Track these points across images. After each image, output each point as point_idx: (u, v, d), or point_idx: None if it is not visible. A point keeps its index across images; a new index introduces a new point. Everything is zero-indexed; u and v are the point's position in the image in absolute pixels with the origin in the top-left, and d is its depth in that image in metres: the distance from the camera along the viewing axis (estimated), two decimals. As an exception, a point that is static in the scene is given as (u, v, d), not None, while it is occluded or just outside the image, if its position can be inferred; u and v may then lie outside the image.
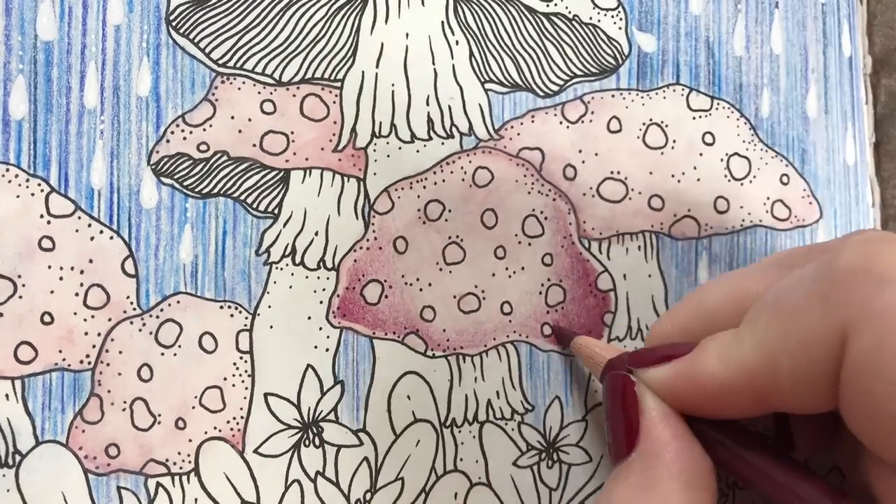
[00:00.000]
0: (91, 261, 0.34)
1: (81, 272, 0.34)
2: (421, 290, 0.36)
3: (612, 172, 0.37)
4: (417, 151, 0.36)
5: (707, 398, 0.29)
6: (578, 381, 0.37)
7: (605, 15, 0.38)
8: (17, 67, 0.34)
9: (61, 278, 0.33)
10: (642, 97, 0.38)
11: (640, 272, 0.37)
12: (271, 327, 0.35)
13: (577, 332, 0.36)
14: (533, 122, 0.37)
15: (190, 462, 0.34)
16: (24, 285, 0.33)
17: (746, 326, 0.28)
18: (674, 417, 0.30)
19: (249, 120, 0.35)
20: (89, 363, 0.33)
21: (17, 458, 0.33)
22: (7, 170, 0.33)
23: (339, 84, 0.36)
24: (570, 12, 0.37)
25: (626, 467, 0.30)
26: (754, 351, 0.28)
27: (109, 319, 0.34)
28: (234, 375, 0.34)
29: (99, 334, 0.34)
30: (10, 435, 0.33)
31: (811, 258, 0.29)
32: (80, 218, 0.34)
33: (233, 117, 0.35)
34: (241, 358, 0.35)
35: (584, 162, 0.37)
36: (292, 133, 0.35)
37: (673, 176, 0.38)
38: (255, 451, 0.34)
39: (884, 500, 0.28)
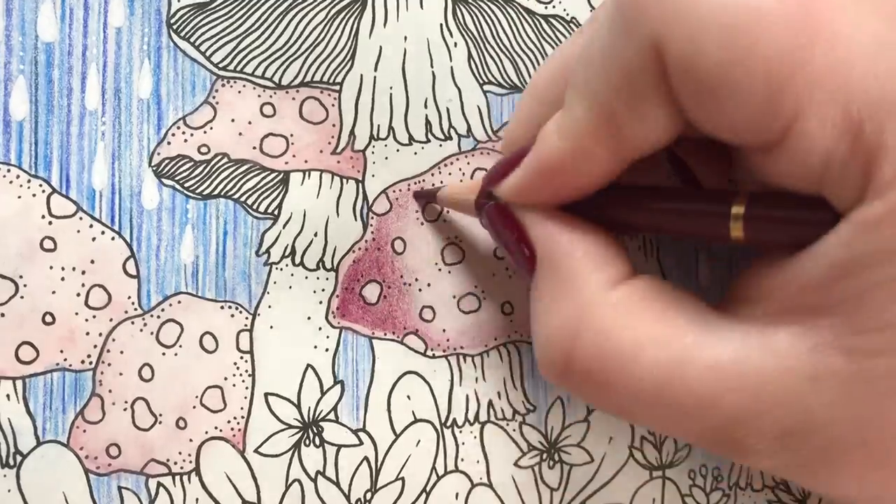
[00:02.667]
0: (92, 261, 0.34)
1: (83, 272, 0.34)
2: (420, 290, 0.36)
3: (609, 174, 0.38)
4: (416, 153, 0.36)
5: (566, 178, 0.28)
6: (577, 380, 0.37)
7: (601, 18, 0.38)
8: (18, 68, 0.34)
9: (63, 279, 0.34)
10: (638, 100, 0.38)
11: (640, 271, 0.38)
12: (271, 327, 0.35)
13: (433, 190, 0.36)
14: (530, 124, 0.37)
15: (191, 462, 0.34)
16: (25, 286, 0.33)
17: (569, 91, 0.27)
18: (549, 216, 0.29)
19: (249, 122, 0.35)
20: (90, 363, 0.34)
21: (18, 458, 0.33)
22: (8, 170, 0.34)
23: (337, 87, 0.36)
24: (568, 14, 0.38)
25: (542, 282, 0.29)
26: (586, 110, 0.26)
27: (111, 319, 0.34)
28: (234, 375, 0.35)
29: (100, 334, 0.34)
30: (11, 435, 0.33)
31: None
32: (81, 219, 0.34)
33: (233, 120, 0.35)
34: (241, 358, 0.35)
35: (581, 164, 0.38)
36: (292, 136, 0.35)
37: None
38: (256, 451, 0.35)
39: (766, 178, 0.26)
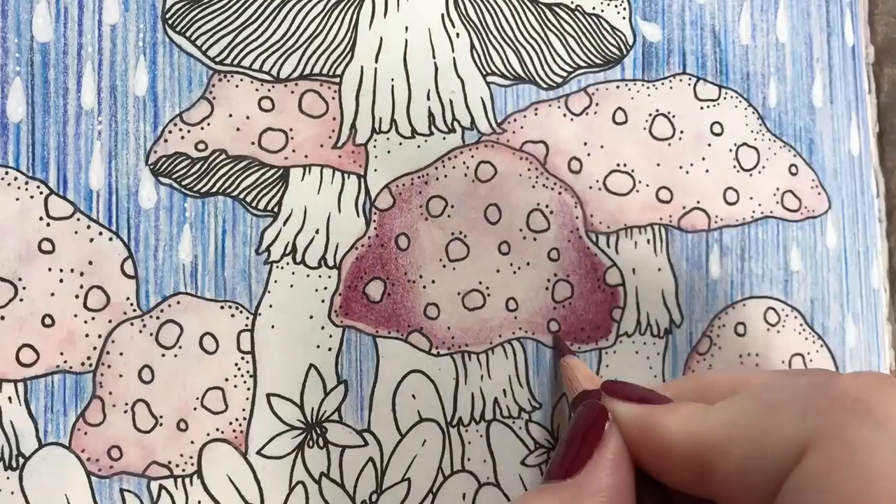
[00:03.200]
0: (91, 262, 0.34)
1: (81, 274, 0.33)
2: (424, 287, 0.35)
3: (618, 165, 0.37)
4: (418, 147, 0.36)
5: (656, 451, 0.28)
6: (586, 377, 0.36)
7: (609, 5, 0.37)
8: (14, 70, 0.33)
9: (61, 280, 0.33)
10: (648, 88, 0.37)
11: (649, 266, 0.37)
12: (273, 327, 0.34)
13: (573, 351, 0.36)
14: (536, 114, 0.37)
15: (192, 464, 0.34)
16: (24, 288, 0.33)
17: (723, 403, 0.28)
18: (626, 469, 0.29)
19: (248, 117, 0.35)
20: (90, 365, 0.33)
21: (21, 460, 0.33)
22: (6, 172, 0.33)
23: (337, 80, 0.35)
24: (572, 2, 0.37)
25: (555, 487, 0.28)
26: (716, 427, 0.27)
27: (110, 321, 0.34)
28: (235, 376, 0.34)
29: (99, 336, 0.33)
30: (13, 437, 0.33)
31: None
32: (79, 220, 0.34)
33: (231, 115, 0.35)
34: (242, 358, 0.34)
35: (589, 154, 0.37)
36: (291, 130, 0.35)
37: (681, 167, 0.37)
38: (258, 453, 0.34)
39: None
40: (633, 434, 0.29)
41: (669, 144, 0.37)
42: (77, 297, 0.33)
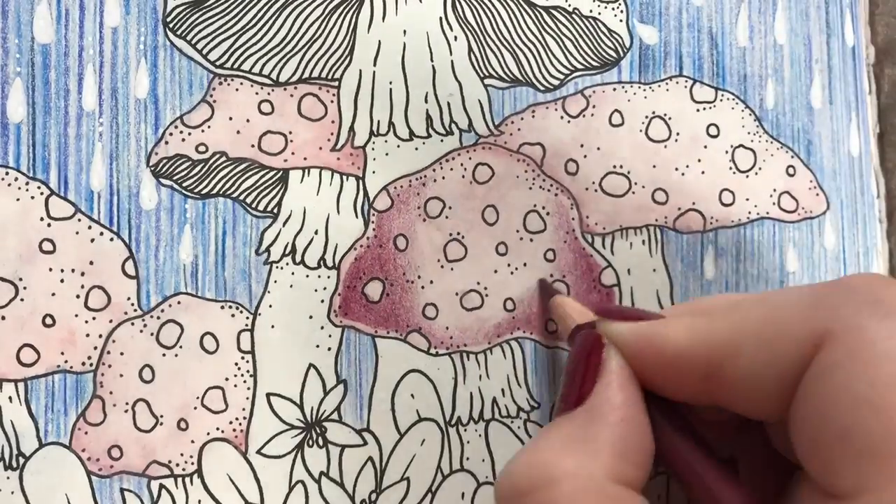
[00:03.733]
0: (91, 262, 0.34)
1: (82, 274, 0.34)
2: (423, 287, 0.35)
3: (614, 166, 0.37)
4: (416, 149, 0.36)
5: (661, 363, 0.28)
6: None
7: (606, 7, 0.37)
8: (15, 70, 0.34)
9: (62, 280, 0.33)
10: (644, 90, 0.38)
11: (644, 267, 0.37)
12: (273, 327, 0.35)
13: (560, 291, 0.36)
14: (533, 117, 0.37)
15: (193, 463, 0.34)
16: (25, 288, 0.33)
17: (725, 310, 0.28)
18: (632, 386, 0.29)
19: (247, 120, 0.35)
20: (91, 365, 0.34)
21: (21, 460, 0.33)
22: (7, 173, 0.34)
23: (336, 83, 0.36)
24: (569, 5, 0.37)
25: (568, 418, 0.28)
26: (723, 329, 0.27)
27: (110, 321, 0.34)
28: (235, 376, 0.34)
29: (100, 336, 0.34)
30: (13, 437, 0.33)
31: None
32: (80, 220, 0.34)
33: (231, 118, 0.35)
34: (242, 358, 0.34)
35: (585, 156, 0.37)
36: (290, 133, 0.35)
37: (677, 169, 0.37)
38: (259, 452, 0.34)
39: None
40: (635, 351, 0.29)
41: (665, 146, 0.37)
42: (78, 296, 0.34)
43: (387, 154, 0.36)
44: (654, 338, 0.28)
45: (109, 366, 0.34)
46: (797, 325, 0.25)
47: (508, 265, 0.36)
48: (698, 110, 0.38)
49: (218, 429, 0.34)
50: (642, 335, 0.29)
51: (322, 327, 0.35)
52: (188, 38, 0.35)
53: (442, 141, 0.36)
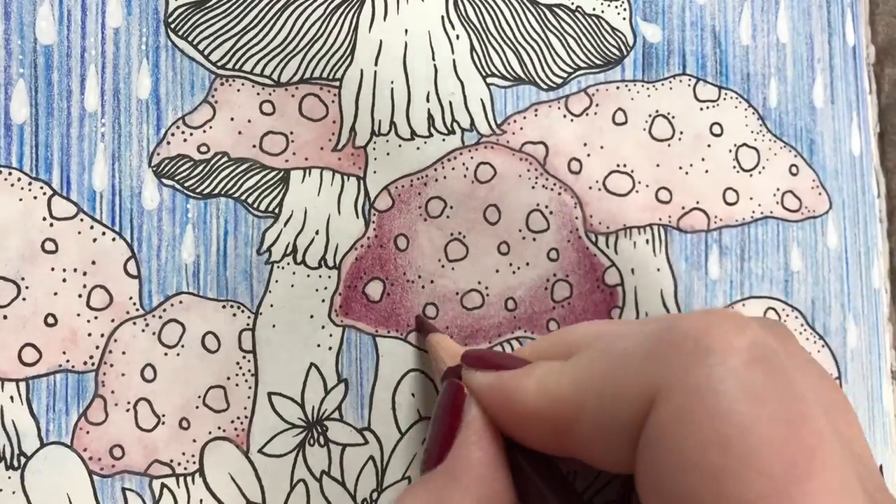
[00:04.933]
0: (94, 262, 0.34)
1: (84, 274, 0.34)
2: (423, 287, 0.35)
3: (618, 165, 0.37)
4: (418, 149, 0.36)
5: (514, 417, 0.28)
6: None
7: (609, 5, 0.37)
8: (18, 71, 0.34)
9: (64, 280, 0.34)
10: (648, 88, 0.37)
11: (648, 266, 0.37)
12: (274, 326, 0.35)
13: (437, 328, 0.35)
14: (536, 115, 0.37)
15: (194, 463, 0.34)
16: (27, 287, 0.33)
17: (573, 360, 0.27)
18: (490, 440, 0.28)
19: (249, 121, 0.35)
20: (93, 364, 0.34)
21: (23, 459, 0.33)
22: (10, 173, 0.34)
23: (337, 83, 0.36)
24: (573, 3, 0.37)
25: (425, 480, 0.28)
26: (569, 386, 0.26)
27: (112, 320, 0.34)
28: (237, 375, 0.34)
29: (102, 335, 0.34)
30: (15, 437, 0.33)
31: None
32: (82, 220, 0.34)
33: (232, 119, 0.35)
34: (244, 357, 0.35)
35: (589, 155, 0.37)
36: (291, 133, 0.35)
37: (680, 168, 0.37)
38: (260, 451, 0.34)
39: None
40: (492, 403, 0.28)
41: (669, 145, 0.37)
42: (80, 296, 0.34)
43: (388, 154, 0.36)
44: (508, 392, 0.28)
45: (111, 365, 0.34)
46: (632, 381, 0.24)
47: (510, 265, 0.36)
48: (702, 109, 0.38)
49: (219, 428, 0.34)
50: (498, 388, 0.28)
51: (323, 327, 0.35)
52: (190, 38, 0.35)
53: (444, 140, 0.36)
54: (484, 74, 0.36)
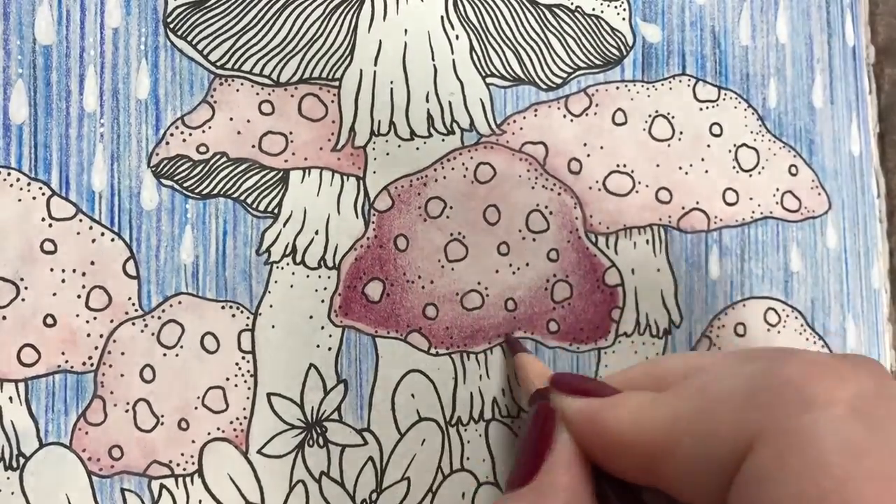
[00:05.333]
0: (92, 263, 0.34)
1: (83, 274, 0.34)
2: (423, 287, 0.35)
3: (618, 165, 0.37)
4: (417, 149, 0.36)
5: (604, 446, 0.28)
6: (585, 377, 0.36)
7: (609, 6, 0.37)
8: (17, 72, 0.34)
9: (63, 281, 0.34)
10: (647, 89, 0.37)
11: (648, 266, 0.37)
12: (273, 327, 0.35)
13: (526, 349, 0.35)
14: (536, 115, 0.37)
15: (193, 463, 0.34)
16: (26, 288, 0.33)
17: (669, 394, 0.27)
18: (579, 466, 0.29)
19: (248, 121, 0.35)
20: (92, 365, 0.34)
21: (22, 460, 0.33)
22: (8, 174, 0.34)
23: (337, 83, 0.35)
24: (572, 3, 0.37)
25: (513, 498, 0.29)
26: (664, 420, 0.26)
27: (111, 321, 0.34)
28: (236, 375, 0.34)
29: (101, 336, 0.34)
30: (13, 437, 0.33)
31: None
32: (81, 220, 0.34)
33: (231, 119, 0.35)
34: (243, 358, 0.34)
35: (589, 155, 0.37)
36: (291, 133, 0.35)
37: (680, 168, 0.37)
38: (259, 452, 0.34)
39: None
40: (581, 430, 0.29)
41: (669, 145, 0.37)
42: (79, 297, 0.34)
43: (387, 154, 0.36)
44: (599, 420, 0.28)
45: (110, 366, 0.34)
46: (730, 422, 0.25)
47: (510, 265, 0.36)
48: (701, 109, 0.38)
49: (218, 429, 0.34)
50: (589, 415, 0.28)
51: (322, 327, 0.35)
52: (189, 38, 0.35)
53: (443, 140, 0.36)
54: (483, 74, 0.36)
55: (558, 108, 0.37)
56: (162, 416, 0.34)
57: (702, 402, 0.26)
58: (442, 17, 0.36)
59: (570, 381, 0.30)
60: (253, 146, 0.35)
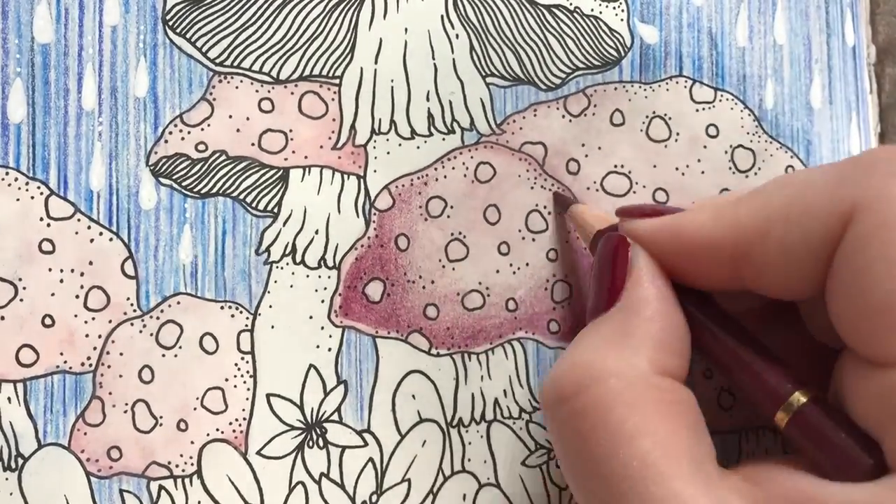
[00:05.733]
0: (91, 263, 0.34)
1: (81, 274, 0.33)
2: (424, 287, 0.35)
3: (615, 166, 0.37)
4: (418, 148, 0.36)
5: (688, 252, 0.28)
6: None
7: (607, 6, 0.37)
8: (15, 70, 0.34)
9: (61, 281, 0.33)
10: (645, 89, 0.38)
11: (646, 267, 0.37)
12: (273, 327, 0.35)
13: (575, 200, 0.36)
14: (535, 115, 0.37)
15: (192, 464, 0.34)
16: (24, 288, 0.33)
17: (750, 192, 0.28)
18: (661, 279, 0.29)
19: (248, 119, 0.35)
20: (90, 365, 0.33)
21: (20, 461, 0.33)
22: (6, 173, 0.33)
23: (337, 81, 0.35)
24: (571, 4, 0.37)
25: (604, 319, 0.29)
26: (750, 213, 0.27)
27: (110, 321, 0.34)
28: (235, 376, 0.34)
29: (100, 336, 0.33)
30: (12, 438, 0.33)
31: None
32: (79, 220, 0.34)
33: (231, 116, 0.35)
34: (242, 358, 0.34)
35: (587, 156, 0.37)
36: (291, 131, 0.35)
37: (677, 169, 0.37)
38: (258, 453, 0.34)
39: (853, 405, 0.27)
40: (660, 244, 0.29)
41: (666, 146, 0.37)
42: (77, 297, 0.33)
43: (388, 153, 0.36)
44: (678, 229, 0.28)
45: (109, 366, 0.33)
46: (824, 201, 0.25)
47: (510, 265, 0.36)
48: (698, 110, 0.38)
49: (218, 429, 0.34)
50: (666, 228, 0.29)
51: (322, 328, 0.35)
52: (188, 35, 0.35)
53: (443, 140, 0.36)
54: (483, 74, 0.36)
55: (557, 109, 0.37)
56: (161, 416, 0.34)
57: (790, 189, 0.27)
58: (442, 17, 0.36)
59: (639, 206, 0.31)
60: (252, 144, 0.35)
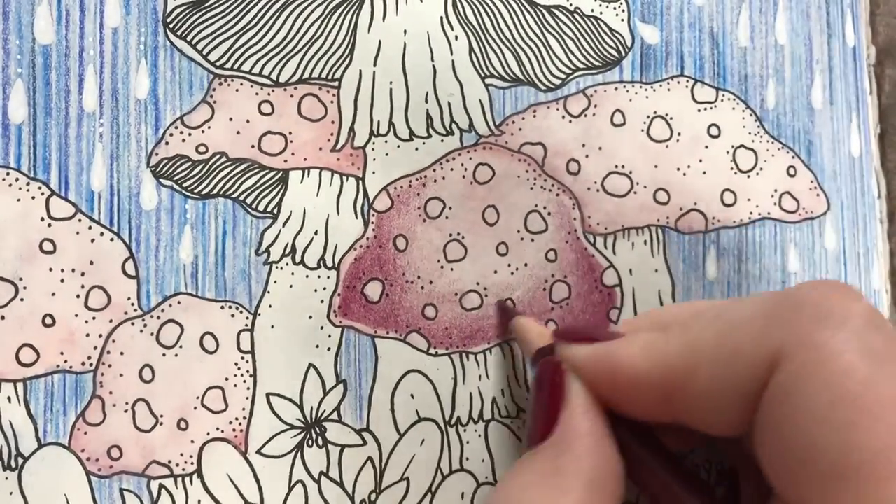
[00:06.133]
0: (92, 263, 0.34)
1: (82, 274, 0.34)
2: (422, 287, 0.35)
3: (616, 166, 0.37)
4: (417, 149, 0.36)
5: (619, 386, 0.28)
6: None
7: (607, 7, 0.37)
8: (16, 71, 0.34)
9: (62, 280, 0.34)
10: (646, 90, 0.38)
11: (646, 267, 0.37)
12: (272, 327, 0.35)
13: (519, 312, 0.35)
14: (535, 116, 0.37)
15: (192, 463, 0.34)
16: (25, 288, 0.33)
17: (680, 328, 0.28)
18: (595, 413, 0.28)
19: (247, 121, 0.35)
20: (91, 365, 0.34)
21: (20, 460, 0.33)
22: (7, 174, 0.34)
23: (336, 83, 0.36)
24: (571, 4, 0.37)
25: (537, 453, 0.28)
26: (679, 350, 0.27)
27: (110, 321, 0.34)
28: (235, 376, 0.34)
29: (100, 336, 0.34)
30: (12, 437, 0.33)
31: None
32: (80, 220, 0.34)
33: (231, 119, 0.35)
34: (242, 358, 0.34)
35: (587, 156, 0.37)
36: (290, 133, 0.35)
37: (678, 169, 0.37)
38: (258, 452, 0.34)
39: None
40: (593, 374, 0.29)
41: (667, 146, 0.37)
42: (78, 296, 0.34)
43: (387, 154, 0.36)
44: (610, 361, 0.28)
45: (109, 366, 0.34)
46: (751, 343, 0.25)
47: (509, 265, 0.36)
48: (699, 110, 0.38)
49: (218, 429, 0.34)
50: (598, 358, 0.29)
51: (322, 327, 0.35)
52: (188, 38, 0.35)
53: (442, 141, 0.36)
54: (483, 75, 0.36)
55: (557, 109, 0.37)
56: (161, 416, 0.34)
57: (719, 328, 0.27)
58: (441, 18, 0.36)
59: (575, 330, 0.31)
60: (252, 146, 0.35)
